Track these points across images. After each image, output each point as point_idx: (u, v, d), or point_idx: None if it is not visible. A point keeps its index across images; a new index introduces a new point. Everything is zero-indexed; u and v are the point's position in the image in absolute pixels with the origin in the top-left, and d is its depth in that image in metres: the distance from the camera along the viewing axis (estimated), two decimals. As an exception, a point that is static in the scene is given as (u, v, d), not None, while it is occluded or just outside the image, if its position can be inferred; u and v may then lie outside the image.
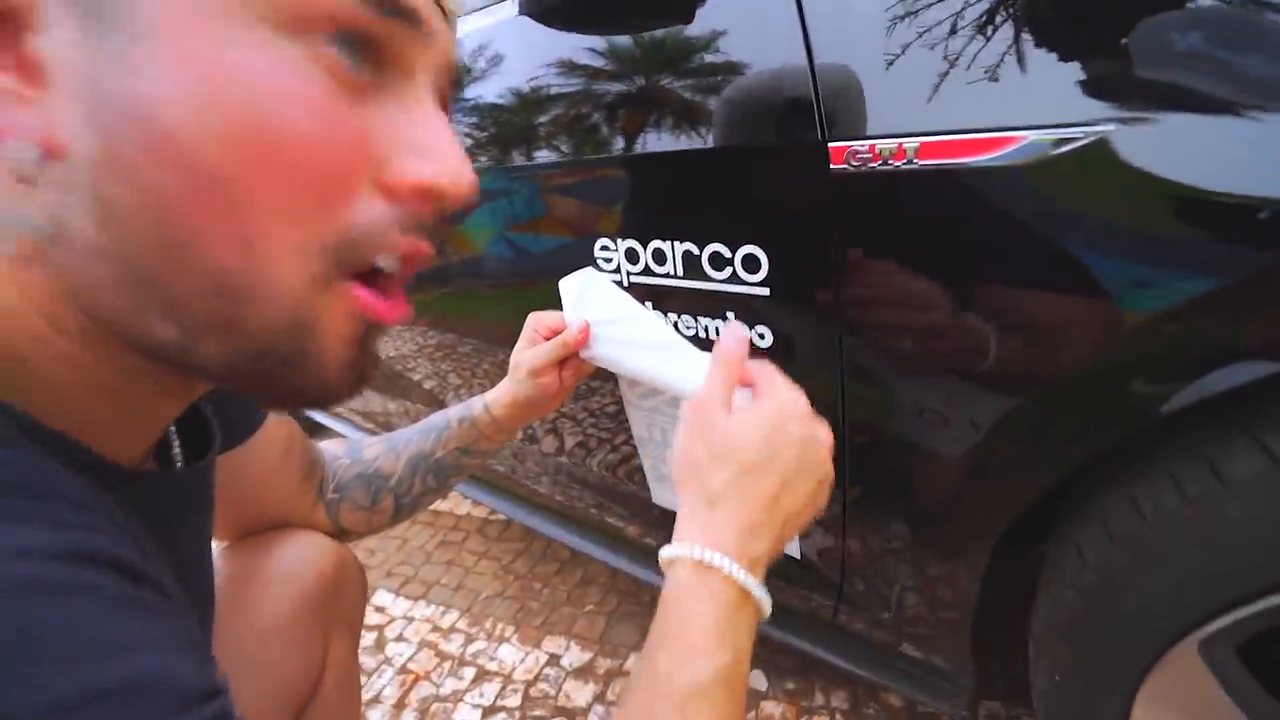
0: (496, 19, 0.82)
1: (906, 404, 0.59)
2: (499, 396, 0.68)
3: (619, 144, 0.70)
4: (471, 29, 0.85)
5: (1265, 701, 0.50)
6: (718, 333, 0.68)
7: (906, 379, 0.58)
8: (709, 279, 0.65)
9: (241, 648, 0.55)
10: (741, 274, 0.62)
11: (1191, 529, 0.48)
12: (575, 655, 1.22)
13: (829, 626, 0.87)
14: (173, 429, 0.42)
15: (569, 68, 0.73)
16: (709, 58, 0.61)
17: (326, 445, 0.70)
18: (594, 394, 0.89)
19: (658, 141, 0.66)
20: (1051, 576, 0.62)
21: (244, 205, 0.25)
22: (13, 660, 0.19)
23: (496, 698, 1.15)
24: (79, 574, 0.22)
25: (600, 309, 0.64)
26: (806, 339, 0.62)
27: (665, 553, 0.41)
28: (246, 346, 0.27)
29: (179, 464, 0.42)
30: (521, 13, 0.67)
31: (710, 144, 0.62)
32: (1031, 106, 0.44)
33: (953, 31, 0.47)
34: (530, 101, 0.78)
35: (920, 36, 0.48)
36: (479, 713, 1.13)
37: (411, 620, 1.38)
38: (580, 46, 0.71)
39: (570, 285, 0.67)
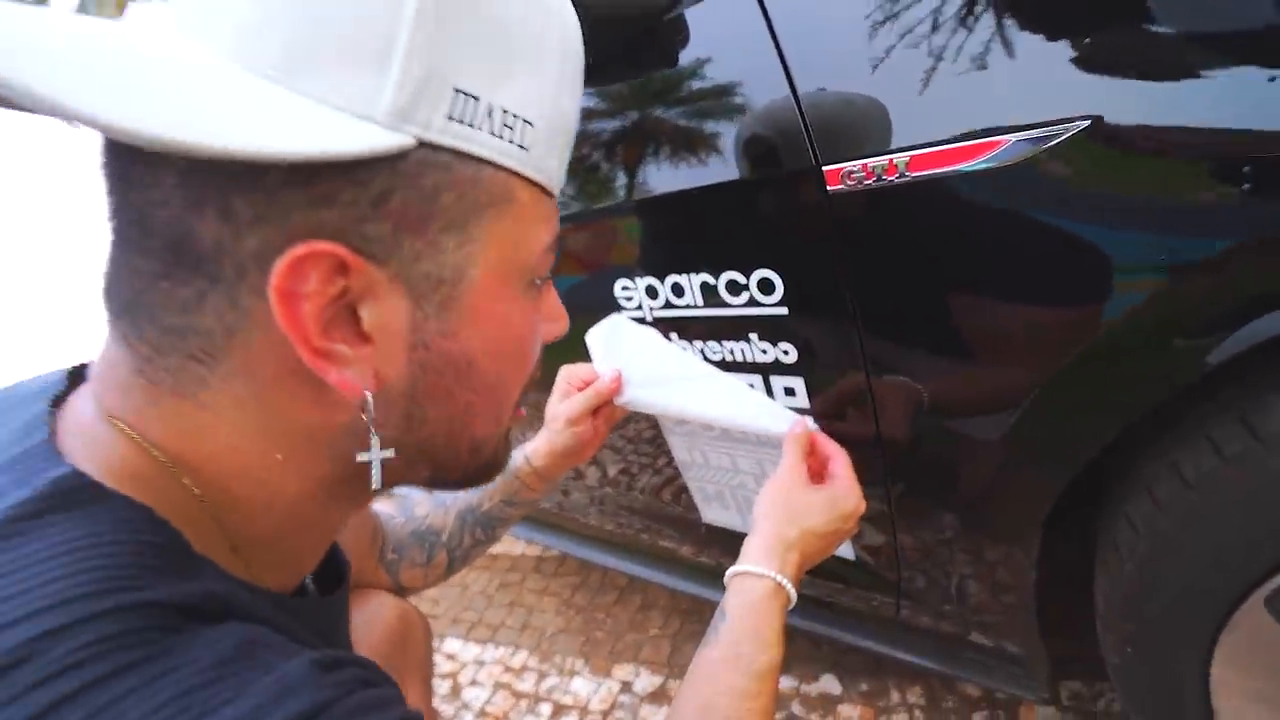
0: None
1: (934, 397, 0.60)
2: (538, 448, 0.71)
3: (628, 188, 0.74)
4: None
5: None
6: (743, 354, 0.71)
7: (930, 374, 0.60)
8: (728, 305, 0.68)
9: None
10: (759, 297, 0.65)
11: (1234, 488, 0.49)
12: (646, 680, 1.24)
13: (895, 624, 0.87)
14: None
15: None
16: (702, 102, 0.65)
17: (379, 506, 0.74)
18: (630, 422, 0.92)
19: (664, 183, 0.70)
20: (1107, 552, 0.62)
21: (504, 399, 0.38)
22: None
23: (575, 731, 1.18)
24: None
25: (628, 354, 0.68)
26: (829, 350, 0.65)
27: (751, 570, 0.52)
28: (472, 471, 0.39)
29: (311, 590, 0.45)
30: None
31: (715, 180, 0.65)
32: (1011, 110, 0.47)
33: (916, 47, 0.49)
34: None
35: (892, 56, 0.51)
36: (561, 747, 1.15)
37: (483, 664, 1.41)
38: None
39: (596, 336, 0.71)
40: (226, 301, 0.27)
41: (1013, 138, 0.46)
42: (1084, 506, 0.65)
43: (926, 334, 0.58)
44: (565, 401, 0.69)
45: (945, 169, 0.50)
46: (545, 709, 1.24)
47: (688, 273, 0.70)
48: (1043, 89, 0.46)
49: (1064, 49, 0.45)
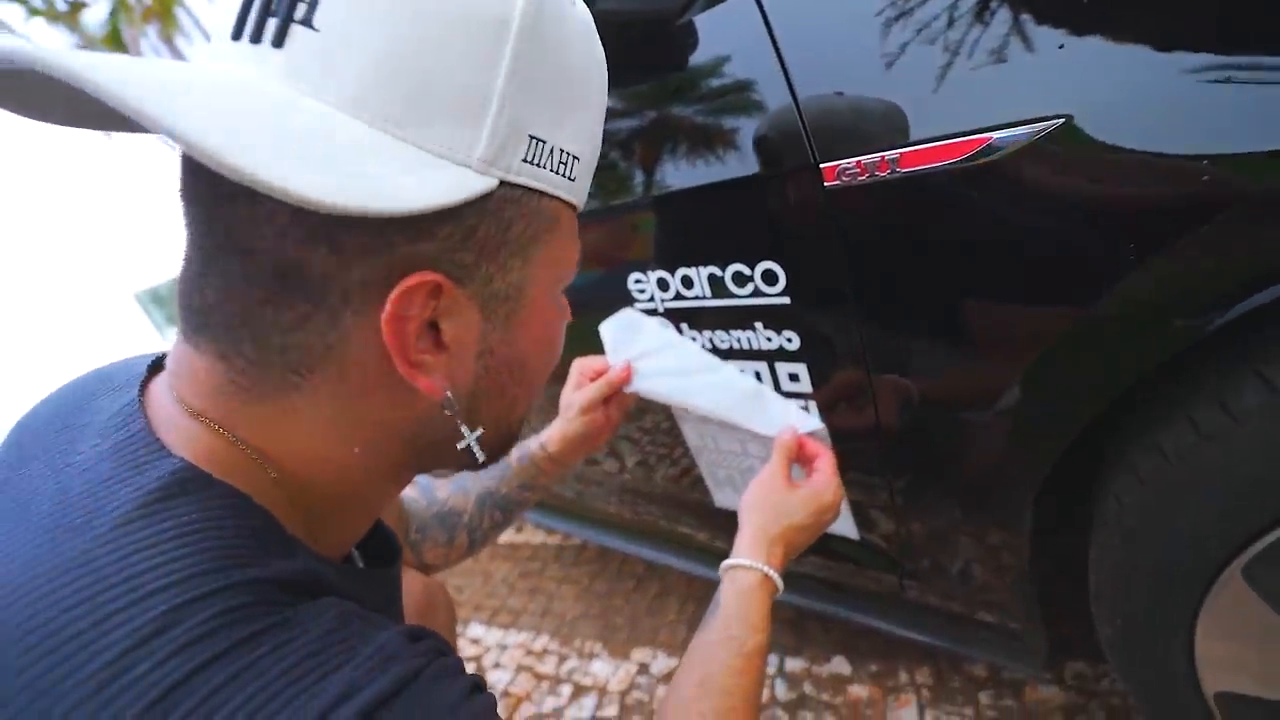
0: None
1: (928, 380, 0.64)
2: (552, 435, 0.76)
3: (639, 186, 0.78)
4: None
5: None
6: (749, 342, 0.75)
7: (924, 359, 0.63)
8: (734, 296, 0.72)
9: None
10: (763, 288, 0.69)
11: (1211, 463, 0.52)
12: (663, 662, 1.29)
13: (904, 604, 0.91)
14: None
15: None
16: (708, 103, 0.69)
17: (404, 491, 0.79)
18: (646, 413, 0.96)
19: (674, 180, 0.74)
20: (1099, 531, 0.65)
21: (539, 388, 0.43)
22: None
23: (595, 709, 1.22)
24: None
25: (638, 345, 0.72)
26: (830, 337, 0.69)
27: (741, 563, 0.59)
28: (499, 451, 0.43)
29: (357, 560, 0.49)
30: None
31: (720, 177, 0.69)
32: (994, 109, 0.50)
33: (902, 52, 0.53)
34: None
35: (885, 62, 0.54)
36: (581, 726, 1.20)
37: (506, 648, 1.47)
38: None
39: (609, 328, 0.75)
40: (328, 323, 0.31)
41: (995, 135, 0.50)
42: (1083, 491, 0.68)
43: (920, 322, 0.62)
44: (579, 391, 0.74)
45: (934, 165, 0.53)
46: (566, 690, 1.29)
47: (696, 266, 0.74)
48: (1027, 87, 0.49)
49: (1044, 49, 0.49)
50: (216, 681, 0.25)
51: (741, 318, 0.74)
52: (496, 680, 1.37)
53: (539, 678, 1.35)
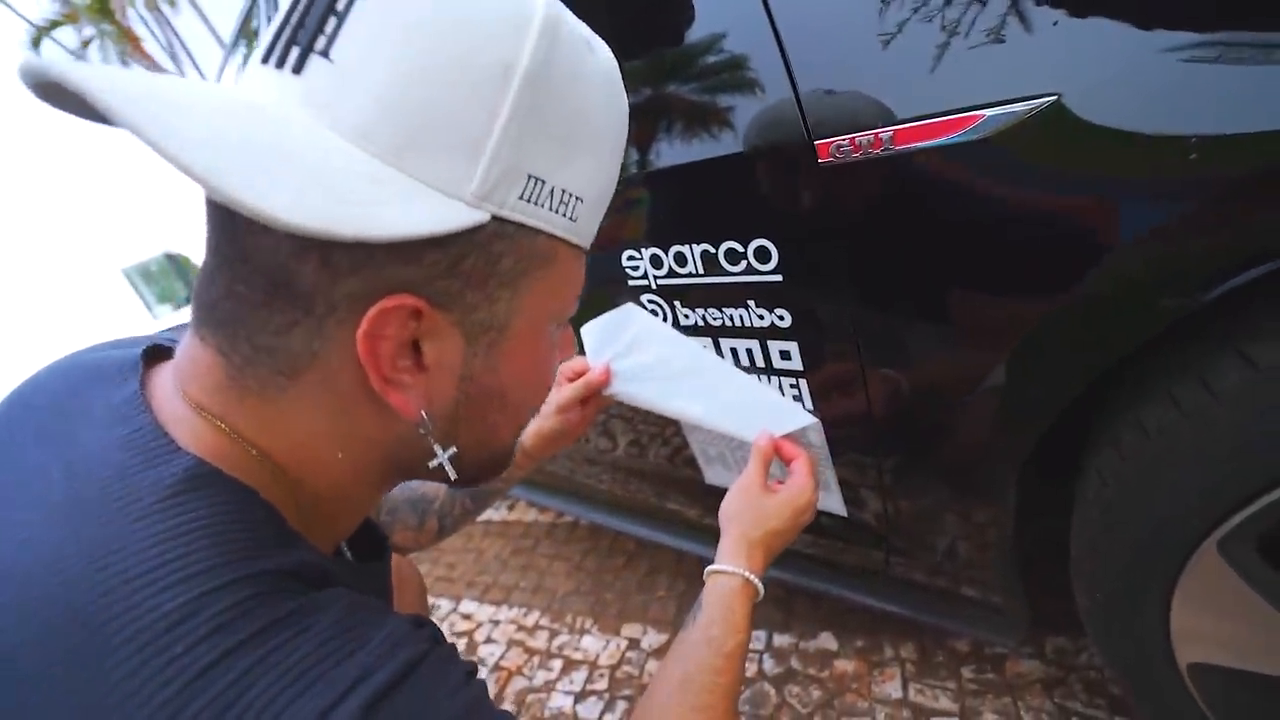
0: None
1: (917, 357, 0.65)
2: (528, 430, 0.76)
3: (634, 163, 0.78)
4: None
5: (1286, 589, 0.54)
6: (742, 319, 0.75)
7: (915, 338, 0.64)
8: (728, 273, 0.72)
9: None
10: (755, 265, 0.69)
11: (1190, 439, 0.53)
12: (653, 638, 1.31)
13: (889, 580, 0.92)
14: None
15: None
16: (704, 80, 0.68)
17: None
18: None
19: (668, 157, 0.74)
20: (1081, 506, 0.67)
21: (524, 418, 0.44)
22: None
23: (585, 683, 1.24)
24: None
25: (622, 344, 0.73)
26: (821, 315, 0.69)
27: (723, 568, 0.61)
28: (486, 473, 0.45)
29: (346, 554, 0.51)
30: None
31: (715, 154, 0.69)
32: (986, 87, 0.50)
33: (900, 31, 0.53)
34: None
35: (880, 40, 0.54)
36: (571, 699, 1.22)
37: (498, 623, 1.49)
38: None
39: (590, 331, 0.75)
40: (314, 330, 0.32)
41: (987, 112, 0.50)
42: (1069, 474, 0.69)
43: (911, 299, 0.62)
44: (556, 390, 0.74)
45: (926, 142, 0.53)
46: (556, 664, 1.31)
47: (689, 243, 0.74)
48: (1020, 65, 0.50)
49: (1038, 26, 0.49)
50: (243, 665, 0.27)
51: (734, 295, 0.74)
52: (488, 654, 1.39)
53: (530, 652, 1.37)
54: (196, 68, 13.27)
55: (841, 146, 0.57)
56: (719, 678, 0.54)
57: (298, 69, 0.31)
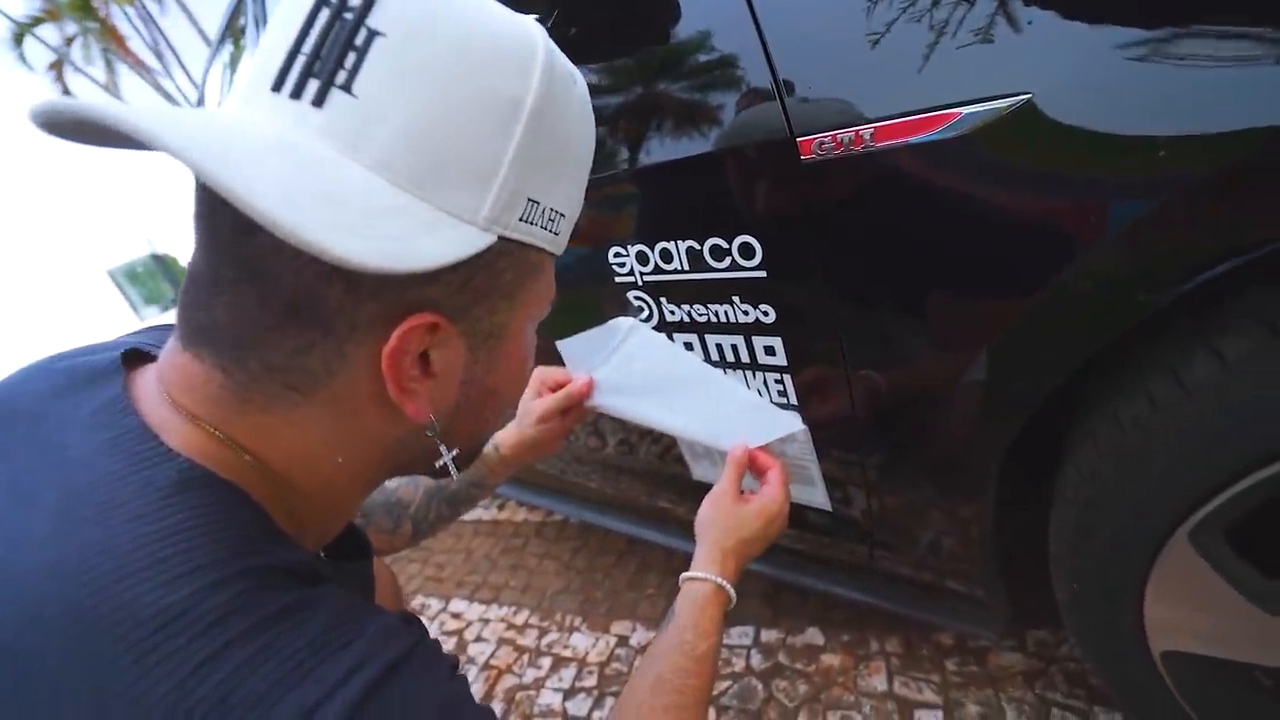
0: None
1: (901, 353, 0.66)
2: (507, 438, 0.78)
3: (619, 160, 0.78)
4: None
5: (1255, 578, 0.55)
6: (727, 315, 0.76)
7: (896, 333, 0.65)
8: (712, 269, 0.73)
9: None
10: (740, 261, 0.70)
11: (1163, 433, 0.54)
12: (642, 635, 1.31)
13: (874, 574, 0.93)
14: None
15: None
16: (688, 78, 0.69)
17: None
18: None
19: (653, 154, 0.75)
20: (1059, 500, 0.68)
21: (507, 411, 0.47)
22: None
23: (574, 680, 1.25)
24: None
25: (615, 357, 0.74)
26: (805, 311, 0.70)
27: (696, 576, 0.63)
28: (465, 463, 0.47)
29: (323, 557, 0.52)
30: None
31: (699, 151, 0.70)
32: (963, 86, 0.51)
33: (888, 31, 0.54)
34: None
35: (864, 38, 0.55)
36: (560, 695, 1.22)
37: (488, 622, 1.49)
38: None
39: (570, 344, 0.76)
40: (334, 350, 0.34)
41: (964, 110, 0.51)
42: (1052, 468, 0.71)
43: (893, 296, 0.63)
44: (538, 400, 0.76)
45: (906, 139, 0.54)
46: (546, 662, 1.32)
47: (675, 239, 0.75)
48: (997, 63, 0.50)
49: (1017, 24, 0.50)
50: (243, 656, 0.28)
51: (719, 291, 0.75)
52: (478, 653, 1.39)
53: (520, 650, 1.37)
54: (182, 66, 13.14)
55: (823, 144, 0.58)
56: (690, 680, 0.56)
57: (318, 102, 0.32)
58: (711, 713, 1.07)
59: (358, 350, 0.34)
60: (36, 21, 12.40)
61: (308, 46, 0.32)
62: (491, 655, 1.37)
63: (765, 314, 0.72)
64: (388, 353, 0.34)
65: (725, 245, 0.70)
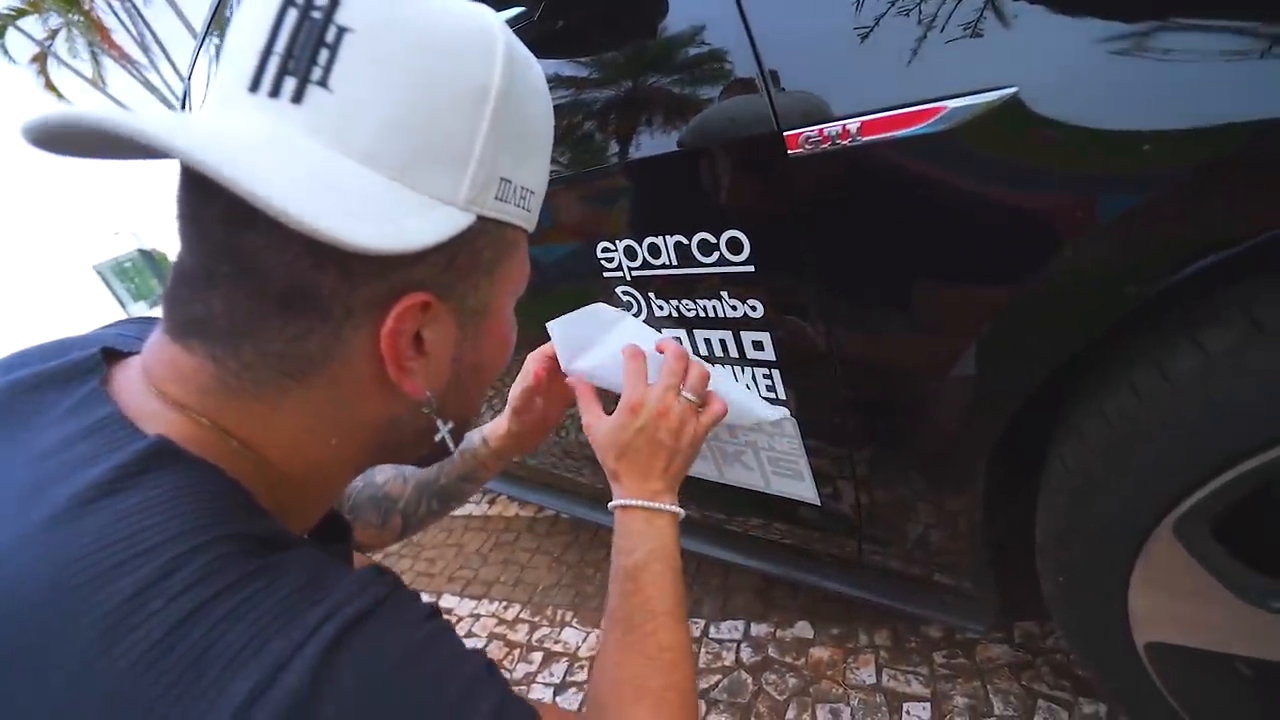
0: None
1: (887, 346, 0.66)
2: (495, 430, 0.77)
3: (607, 155, 0.78)
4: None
5: (1237, 569, 0.56)
6: (715, 310, 0.76)
7: (884, 326, 0.65)
8: (700, 264, 0.73)
9: None
10: (728, 256, 0.70)
11: (1148, 425, 0.55)
12: (633, 629, 1.31)
13: (863, 567, 0.94)
14: None
15: (554, 88, 0.81)
16: (675, 73, 0.69)
17: None
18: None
19: (641, 149, 0.74)
20: (1045, 492, 0.68)
21: (491, 381, 0.48)
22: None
23: (565, 675, 1.25)
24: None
25: (588, 337, 0.73)
26: (792, 305, 0.70)
27: (610, 509, 0.63)
28: (461, 436, 0.48)
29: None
30: None
31: (686, 146, 0.69)
32: (951, 77, 0.51)
33: (876, 25, 0.53)
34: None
35: (852, 32, 0.55)
36: (551, 690, 1.22)
37: (478, 617, 1.49)
38: (557, 73, 0.79)
39: (559, 328, 0.74)
40: (331, 334, 0.35)
41: (949, 104, 0.51)
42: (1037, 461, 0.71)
43: (880, 289, 0.63)
44: (515, 389, 0.74)
45: (893, 133, 0.54)
46: (537, 656, 1.32)
47: (663, 234, 0.74)
48: (982, 57, 0.50)
49: (999, 20, 0.49)
50: (220, 613, 0.29)
51: (707, 286, 0.74)
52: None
53: (511, 645, 1.37)
54: (169, 59, 12.97)
55: (810, 138, 0.58)
56: (634, 597, 0.56)
57: (297, 99, 0.33)
58: (701, 706, 1.08)
59: (355, 334, 0.36)
60: (19, 14, 12.21)
61: (280, 46, 0.33)
62: (483, 650, 1.37)
63: (753, 309, 0.72)
64: (386, 333, 0.36)
65: (713, 240, 0.70)
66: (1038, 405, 0.62)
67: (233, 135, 0.31)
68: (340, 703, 0.29)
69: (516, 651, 1.35)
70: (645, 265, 0.78)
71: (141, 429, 0.34)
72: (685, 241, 0.73)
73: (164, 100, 12.90)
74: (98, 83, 13.06)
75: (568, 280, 0.89)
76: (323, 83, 0.33)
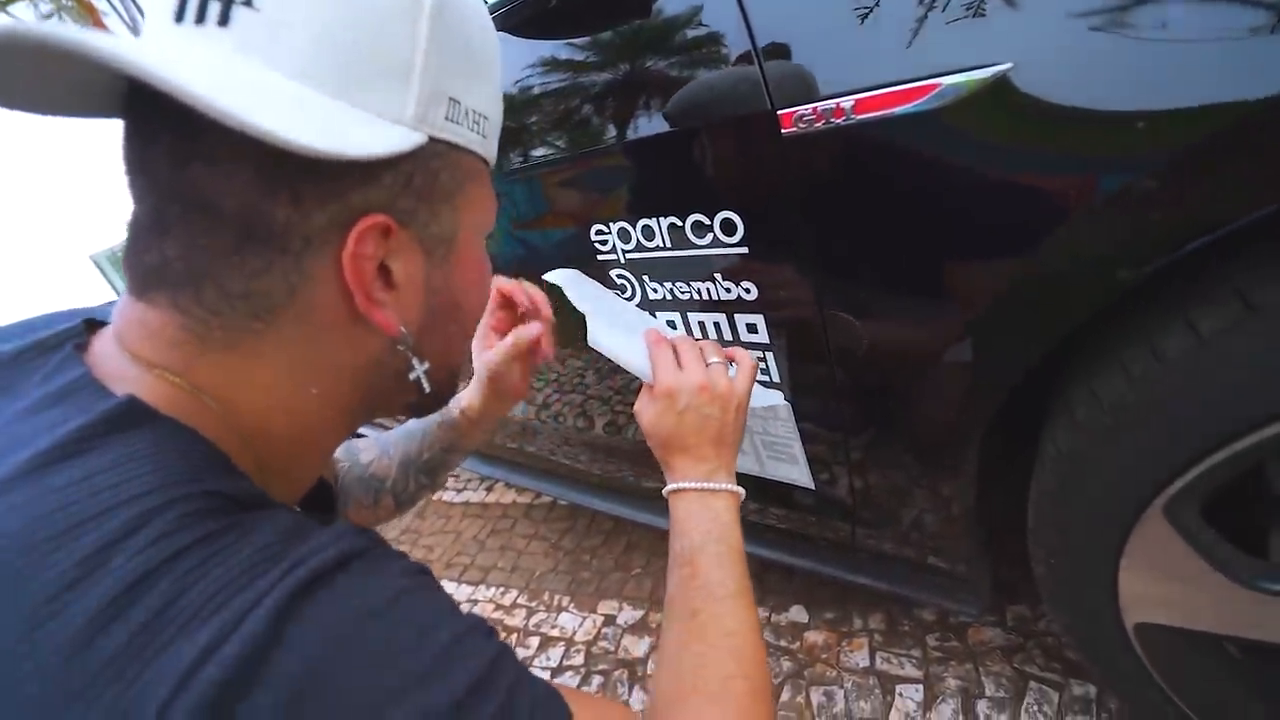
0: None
1: (882, 329, 0.66)
2: (469, 397, 0.75)
3: (600, 136, 0.77)
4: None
5: (1226, 551, 0.56)
6: (709, 293, 0.76)
7: (879, 308, 0.65)
8: (694, 246, 0.72)
9: None
10: (722, 237, 0.70)
11: (1138, 407, 0.55)
12: (629, 614, 1.32)
13: (858, 551, 0.94)
14: None
15: (546, 71, 0.80)
16: (669, 52, 0.68)
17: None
18: (618, 373, 0.97)
19: (634, 130, 0.74)
20: (1038, 474, 0.68)
21: (471, 330, 0.49)
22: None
23: (562, 659, 1.26)
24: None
25: (585, 294, 0.72)
26: (786, 287, 0.69)
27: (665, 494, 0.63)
28: (443, 395, 0.48)
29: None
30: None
31: (680, 126, 0.69)
32: (946, 54, 0.50)
33: (875, 3, 0.53)
34: (516, 107, 0.85)
35: (847, 9, 0.54)
36: (548, 674, 1.23)
37: (475, 603, 1.49)
38: (552, 55, 0.78)
39: (557, 277, 0.73)
40: (292, 267, 0.34)
41: (944, 80, 0.50)
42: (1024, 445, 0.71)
43: (875, 269, 0.63)
44: (489, 353, 0.70)
45: (887, 111, 0.54)
46: (534, 641, 1.33)
47: (657, 216, 0.74)
48: (977, 34, 0.50)
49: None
50: (186, 566, 0.28)
51: (701, 268, 0.74)
52: (465, 633, 1.39)
53: (508, 630, 1.38)
54: (163, 45, 12.84)
55: (804, 116, 0.57)
56: (689, 584, 0.54)
57: (223, 22, 0.32)
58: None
59: (315, 264, 0.35)
60: (10, -2, 12.07)
61: None
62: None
63: (747, 291, 0.72)
64: (347, 257, 0.35)
65: (707, 221, 0.70)
66: (1031, 388, 0.62)
67: (169, 53, 0.31)
68: (303, 652, 0.28)
69: (514, 636, 1.35)
70: (639, 248, 0.78)
71: (111, 390, 0.34)
72: (679, 223, 0.72)
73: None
74: (91, 69, 12.91)
75: (563, 264, 0.89)
76: (247, 2, 0.32)
